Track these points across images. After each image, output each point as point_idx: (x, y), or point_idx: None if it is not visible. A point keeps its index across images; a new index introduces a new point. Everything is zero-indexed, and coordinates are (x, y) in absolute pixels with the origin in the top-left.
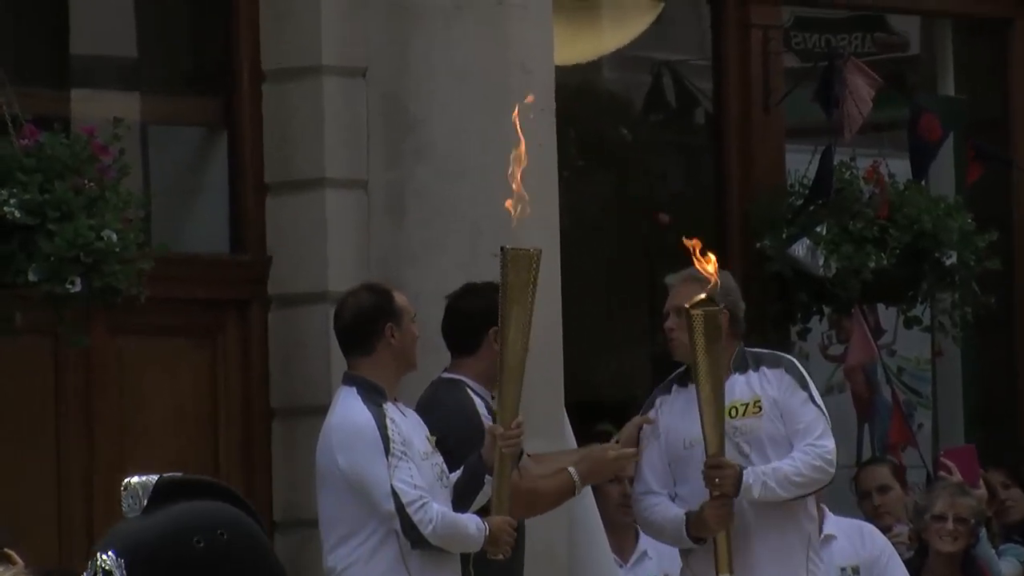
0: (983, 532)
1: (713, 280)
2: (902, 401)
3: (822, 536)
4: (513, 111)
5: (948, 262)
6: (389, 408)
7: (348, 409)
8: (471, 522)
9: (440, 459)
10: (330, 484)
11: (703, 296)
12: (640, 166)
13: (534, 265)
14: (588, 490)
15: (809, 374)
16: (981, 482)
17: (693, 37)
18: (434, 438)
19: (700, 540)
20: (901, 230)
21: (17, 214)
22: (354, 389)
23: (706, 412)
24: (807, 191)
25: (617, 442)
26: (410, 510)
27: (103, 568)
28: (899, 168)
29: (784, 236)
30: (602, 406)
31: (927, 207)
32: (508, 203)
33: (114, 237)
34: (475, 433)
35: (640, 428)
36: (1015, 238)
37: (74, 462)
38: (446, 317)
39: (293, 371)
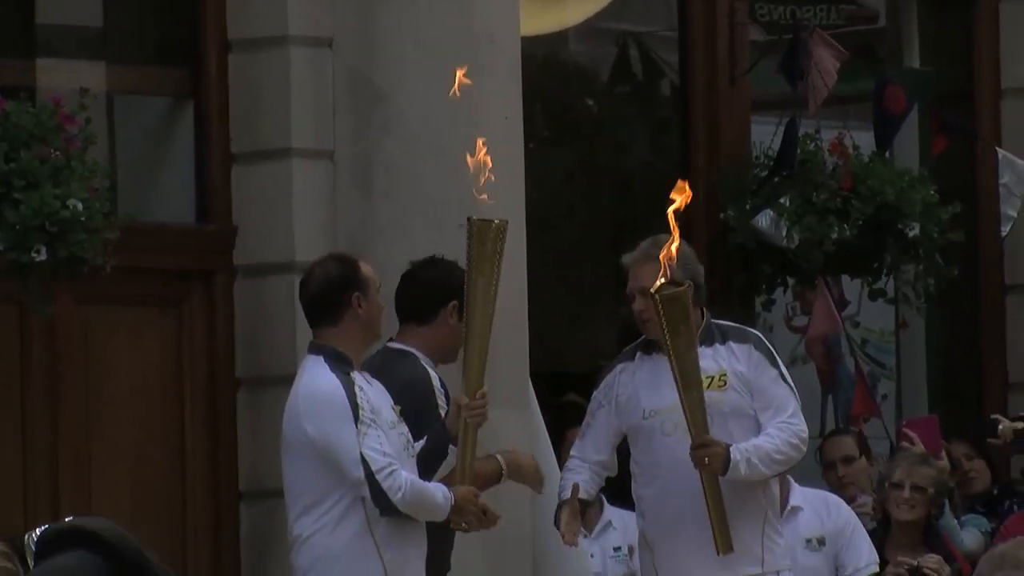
0: (946, 503)
1: (668, 254)
2: (866, 373)
3: (788, 507)
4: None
5: (911, 234)
6: (356, 376)
7: (316, 377)
8: (438, 491)
9: (406, 429)
10: (297, 452)
11: (665, 279)
12: (606, 137)
13: (500, 236)
14: (552, 461)
15: (774, 347)
16: (943, 453)
17: (659, 8)
18: (399, 408)
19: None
20: (864, 202)
21: None
22: (321, 358)
23: (686, 394)
24: (772, 163)
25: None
26: (379, 477)
27: None
28: (864, 140)
29: (748, 207)
30: (568, 376)
31: (891, 179)
32: (470, 160)
33: (80, 206)
34: (429, 405)
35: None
36: (978, 210)
37: (39, 431)
38: (403, 284)
39: (259, 341)
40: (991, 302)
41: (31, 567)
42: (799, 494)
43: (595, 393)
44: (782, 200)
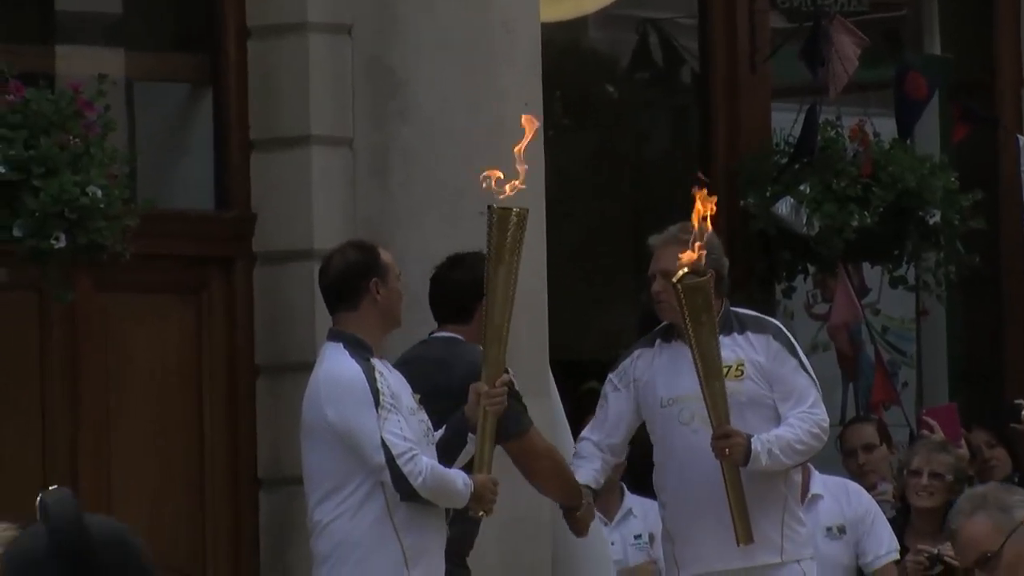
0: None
1: (698, 246)
2: (886, 360)
3: (809, 495)
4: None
5: (932, 221)
6: (376, 362)
7: (336, 363)
8: (458, 477)
9: (425, 416)
10: (317, 438)
11: (689, 267)
12: (626, 125)
13: (521, 224)
14: (572, 448)
15: (794, 335)
16: (963, 441)
17: None
18: (419, 396)
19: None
20: (885, 189)
21: (2, 170)
22: (340, 344)
23: (707, 384)
24: (792, 150)
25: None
26: (400, 461)
27: None
28: (884, 127)
29: (768, 194)
30: (588, 364)
31: (911, 166)
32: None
33: (99, 193)
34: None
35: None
36: (999, 197)
37: (59, 418)
38: (436, 286)
39: (278, 328)
40: (1012, 289)
41: None
42: (819, 482)
43: (610, 375)
44: (802, 187)
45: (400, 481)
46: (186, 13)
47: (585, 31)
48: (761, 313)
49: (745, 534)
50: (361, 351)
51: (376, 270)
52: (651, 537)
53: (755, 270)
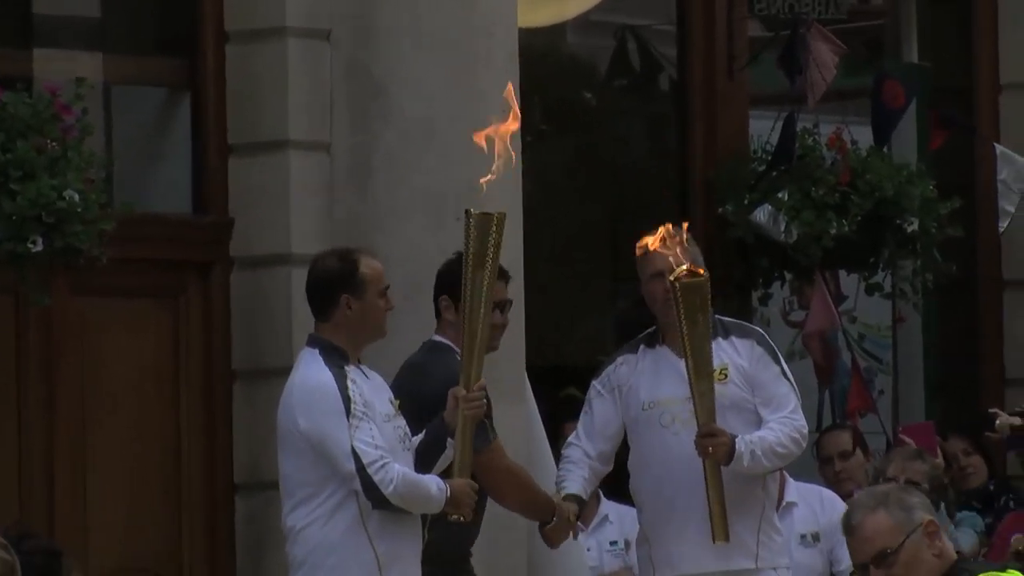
0: (942, 505)
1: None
2: (862, 368)
3: (784, 503)
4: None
5: (910, 229)
6: (351, 370)
7: (309, 370)
8: (432, 483)
9: (403, 422)
10: (290, 445)
11: (687, 266)
12: (603, 131)
13: (498, 228)
14: (549, 457)
15: (774, 343)
16: (939, 455)
17: (657, 2)
18: (398, 401)
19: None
20: (863, 196)
21: None
22: (316, 351)
23: (697, 382)
24: (770, 157)
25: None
26: (371, 470)
27: None
28: (862, 135)
29: (746, 202)
30: (566, 370)
31: (889, 174)
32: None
33: (76, 197)
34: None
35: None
36: (976, 205)
37: (35, 421)
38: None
39: (255, 333)
40: (988, 297)
41: None
42: (794, 490)
43: (593, 382)
44: (780, 195)
45: (371, 489)
46: (165, 17)
47: (563, 37)
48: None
49: (722, 532)
50: (336, 358)
51: (349, 285)
52: (627, 543)
53: (732, 277)
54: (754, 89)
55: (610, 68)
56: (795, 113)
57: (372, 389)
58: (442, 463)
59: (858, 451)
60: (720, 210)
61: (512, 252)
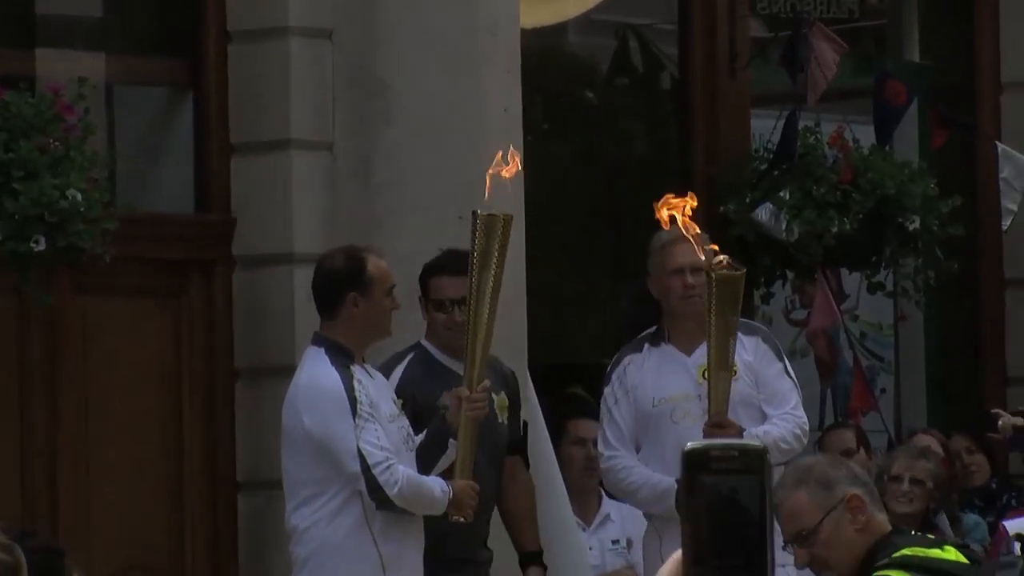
0: (942, 513)
1: (701, 242)
2: (864, 366)
3: None
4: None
5: (911, 227)
6: (356, 370)
7: (315, 370)
8: (436, 484)
9: (406, 422)
10: (295, 444)
11: (725, 259)
12: (605, 130)
13: (506, 230)
14: (551, 455)
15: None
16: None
17: (659, 1)
18: (401, 401)
19: None
20: (864, 195)
21: None
22: (322, 350)
23: (715, 373)
24: (771, 156)
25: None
26: (376, 471)
27: None
28: (864, 134)
29: (748, 200)
30: (567, 368)
31: (891, 172)
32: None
33: (79, 196)
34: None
35: None
36: (978, 204)
37: (38, 421)
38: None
39: (257, 332)
40: (991, 296)
41: None
42: None
43: (606, 391)
44: (782, 193)
45: (376, 490)
46: (167, 17)
47: (565, 36)
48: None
49: None
50: (342, 357)
51: (356, 284)
52: (629, 542)
53: None
54: (756, 88)
55: (611, 67)
56: (797, 112)
57: (377, 389)
58: (443, 463)
59: (861, 450)
60: (722, 209)
61: (515, 251)
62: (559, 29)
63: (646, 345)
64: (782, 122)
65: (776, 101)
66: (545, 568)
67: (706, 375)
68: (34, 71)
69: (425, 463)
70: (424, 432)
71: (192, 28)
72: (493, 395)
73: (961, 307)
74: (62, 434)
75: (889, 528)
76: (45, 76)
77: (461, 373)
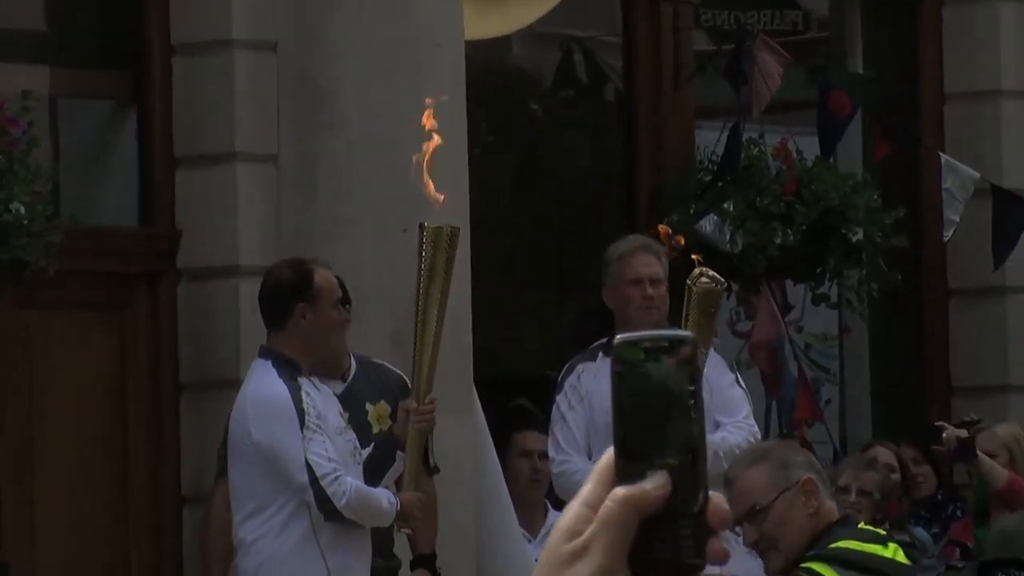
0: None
1: (668, 251)
2: (809, 378)
3: None
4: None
5: (855, 238)
6: (304, 382)
7: (263, 382)
8: (383, 496)
9: (353, 436)
10: (242, 457)
11: (702, 270)
12: (550, 142)
13: (452, 242)
14: (496, 466)
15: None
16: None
17: (603, 13)
18: (347, 414)
19: None
20: (808, 206)
21: None
22: (269, 362)
23: None
24: (716, 167)
25: None
26: (324, 483)
27: None
28: (808, 145)
29: (692, 212)
30: (511, 382)
31: (834, 184)
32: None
33: (22, 210)
34: None
35: None
36: (921, 215)
37: None
38: None
39: (202, 345)
40: (934, 307)
41: None
42: None
43: (558, 398)
44: (726, 205)
45: (324, 502)
46: (111, 30)
47: (509, 48)
48: None
49: None
50: (289, 370)
51: (304, 295)
52: None
53: (678, 288)
54: (700, 100)
55: (556, 79)
56: (741, 123)
57: (324, 402)
58: (390, 476)
59: None
60: (666, 220)
61: (459, 264)
62: (503, 42)
63: (600, 354)
64: (726, 134)
65: (720, 113)
66: (436, 573)
67: None
68: None
69: (373, 475)
70: (371, 445)
71: (136, 41)
72: (369, 405)
73: (905, 318)
74: (5, 448)
75: (835, 517)
76: None
77: None
